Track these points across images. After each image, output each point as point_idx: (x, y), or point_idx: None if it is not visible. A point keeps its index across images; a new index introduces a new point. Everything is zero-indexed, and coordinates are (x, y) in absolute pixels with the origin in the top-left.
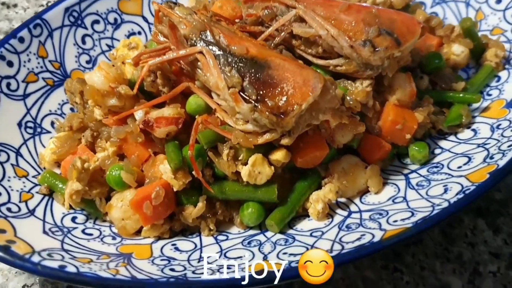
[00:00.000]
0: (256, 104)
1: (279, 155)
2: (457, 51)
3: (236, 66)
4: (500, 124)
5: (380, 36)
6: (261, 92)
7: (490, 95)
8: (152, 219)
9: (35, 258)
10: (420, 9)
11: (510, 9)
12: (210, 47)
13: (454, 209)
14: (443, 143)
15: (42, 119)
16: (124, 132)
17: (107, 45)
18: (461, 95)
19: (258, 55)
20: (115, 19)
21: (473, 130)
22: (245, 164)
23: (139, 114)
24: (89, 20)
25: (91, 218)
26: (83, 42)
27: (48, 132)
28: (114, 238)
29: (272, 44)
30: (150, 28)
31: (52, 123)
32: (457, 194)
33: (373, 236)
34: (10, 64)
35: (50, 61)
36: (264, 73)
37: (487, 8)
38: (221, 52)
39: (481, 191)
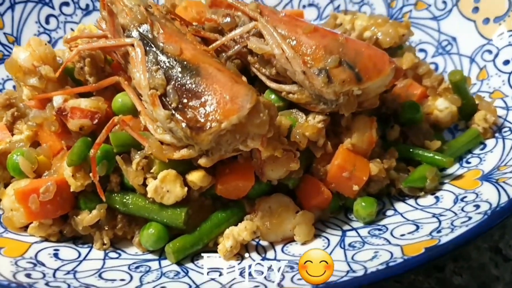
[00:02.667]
0: (174, 112)
1: (195, 177)
2: (441, 106)
3: (164, 66)
4: (465, 197)
5: (339, 67)
6: (183, 101)
7: (469, 162)
8: (37, 216)
9: None
10: (411, 53)
11: None
12: (145, 41)
13: (367, 280)
14: (399, 205)
15: None
16: (41, 117)
17: (71, 29)
18: (430, 155)
19: (191, 59)
20: (87, 5)
21: (436, 197)
22: (156, 178)
23: (57, 99)
24: (58, 1)
25: None
26: (47, 21)
27: None
28: None
29: (225, 56)
30: None
31: None
32: (380, 264)
33: None
34: None
35: (5, 33)
36: (191, 80)
37: (493, 68)
38: (154, 49)
39: (408, 266)
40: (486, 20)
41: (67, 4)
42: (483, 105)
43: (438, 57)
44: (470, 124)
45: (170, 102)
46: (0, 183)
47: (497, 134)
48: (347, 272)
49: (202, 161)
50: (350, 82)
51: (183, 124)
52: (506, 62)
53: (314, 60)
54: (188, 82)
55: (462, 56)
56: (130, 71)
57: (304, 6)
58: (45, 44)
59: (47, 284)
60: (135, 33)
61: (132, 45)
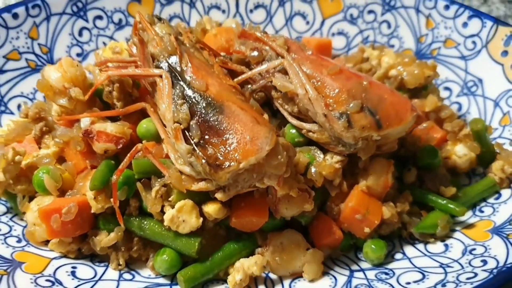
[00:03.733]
0: (195, 148)
1: (211, 209)
2: (460, 152)
3: (189, 101)
4: (474, 249)
5: (360, 112)
6: (205, 137)
7: (482, 211)
8: (58, 234)
9: None
10: (435, 96)
11: None
12: (173, 74)
13: None
14: (408, 249)
15: (10, 99)
16: (67, 136)
17: (103, 43)
18: (444, 202)
19: (216, 96)
20: (120, 20)
21: (445, 245)
22: (173, 206)
23: (85, 121)
24: (92, 14)
25: (11, 213)
26: (80, 34)
27: (12, 113)
28: (19, 241)
29: (250, 89)
30: None
31: (19, 106)
32: None
33: None
34: None
35: (39, 44)
36: (215, 117)
37: None
38: (181, 82)
39: None
40: None
41: (100, 17)
42: (502, 155)
43: (463, 97)
44: (487, 171)
45: (192, 137)
46: (26, 197)
47: None
48: None
49: (218, 196)
50: (370, 128)
51: (203, 161)
52: None
53: (336, 103)
54: (211, 118)
55: (487, 99)
56: (157, 100)
57: (333, 34)
58: (77, 65)
59: None
60: (164, 64)
61: (160, 76)
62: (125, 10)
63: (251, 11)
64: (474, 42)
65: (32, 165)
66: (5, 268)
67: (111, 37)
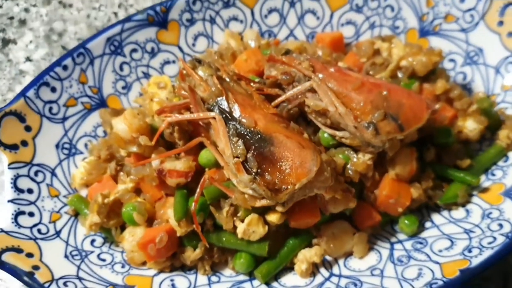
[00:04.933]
0: (256, 177)
1: (274, 218)
2: (470, 127)
3: (243, 137)
4: (491, 213)
5: (384, 120)
6: (262, 166)
7: (494, 175)
8: (155, 258)
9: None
10: (443, 79)
11: None
12: (223, 114)
13: None
14: (436, 218)
15: (77, 141)
16: (142, 174)
17: (142, 72)
18: (461, 174)
19: (264, 130)
20: (152, 48)
21: (466, 210)
22: (242, 221)
23: (155, 162)
24: (128, 49)
25: (108, 242)
26: (121, 69)
27: (81, 153)
28: (123, 266)
29: (286, 108)
30: (184, 57)
31: (86, 145)
32: (425, 285)
33: None
34: (53, 90)
35: (89, 86)
36: (266, 149)
37: None
38: (232, 122)
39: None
40: (510, 34)
41: (135, 50)
42: (507, 124)
43: (466, 67)
44: (495, 137)
45: (251, 168)
46: (118, 228)
47: None
48: None
49: (279, 209)
50: (395, 132)
51: (264, 187)
52: None
53: (363, 114)
54: (264, 150)
55: (488, 67)
56: (214, 136)
57: (342, 25)
58: (137, 114)
59: None
60: (214, 107)
61: (214, 117)
62: (156, 39)
63: (265, 16)
64: (472, 15)
65: (116, 200)
66: None
67: (147, 65)
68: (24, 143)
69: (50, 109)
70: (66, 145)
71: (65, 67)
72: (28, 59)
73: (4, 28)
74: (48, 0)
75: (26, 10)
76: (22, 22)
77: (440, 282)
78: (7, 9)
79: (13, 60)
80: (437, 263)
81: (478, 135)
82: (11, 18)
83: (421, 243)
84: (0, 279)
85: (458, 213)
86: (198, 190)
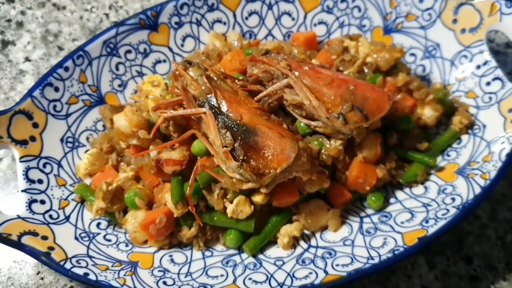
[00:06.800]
0: (242, 163)
1: (259, 198)
2: (428, 114)
3: (230, 129)
4: (445, 189)
5: (352, 111)
6: (247, 154)
7: (449, 155)
8: (156, 237)
9: (67, 265)
10: (403, 73)
11: (486, 76)
12: (213, 110)
13: (382, 265)
14: (398, 194)
15: (79, 135)
16: (141, 163)
17: (136, 71)
18: (420, 156)
19: (249, 122)
20: (145, 49)
21: (425, 187)
22: (231, 202)
23: (153, 153)
24: (123, 50)
25: (112, 224)
26: (117, 69)
27: (84, 145)
28: (127, 245)
29: (267, 102)
30: (174, 57)
31: (87, 138)
32: (388, 252)
33: (317, 276)
34: (56, 89)
35: (88, 85)
36: (251, 139)
37: (468, 71)
38: (221, 116)
39: (408, 254)
40: (463, 30)
41: (129, 51)
42: (460, 111)
43: (425, 60)
44: (450, 123)
45: (238, 156)
46: (121, 212)
47: (469, 131)
48: (367, 258)
49: (263, 190)
50: (361, 121)
51: (250, 172)
52: (478, 67)
53: (334, 107)
54: (249, 140)
55: (444, 60)
56: (204, 129)
57: (315, 25)
58: (136, 111)
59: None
60: (204, 103)
61: (205, 112)
62: (147, 41)
63: (246, 18)
64: (430, 14)
65: (118, 187)
66: (129, 269)
67: (141, 65)
68: (33, 138)
69: (54, 107)
70: (70, 139)
71: (66, 69)
72: (27, 59)
73: (3, 31)
74: (43, 3)
75: (23, 12)
76: (20, 24)
77: (401, 249)
78: (5, 12)
79: (13, 60)
80: (399, 233)
81: (435, 121)
82: (9, 20)
83: (386, 216)
84: (14, 261)
85: (418, 189)
86: (192, 176)
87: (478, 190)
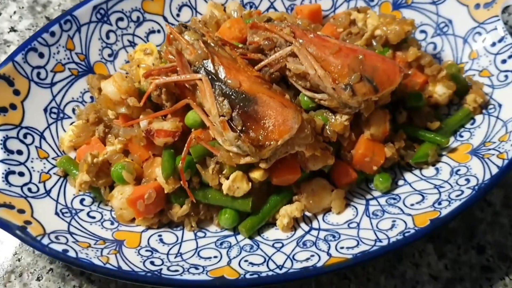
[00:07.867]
0: (241, 134)
1: (257, 175)
2: (440, 91)
3: (228, 97)
4: (459, 170)
5: (360, 82)
6: (246, 124)
7: (462, 136)
8: (143, 214)
9: (45, 240)
10: (414, 47)
11: (501, 54)
12: (209, 76)
13: (391, 248)
14: (407, 176)
15: (65, 106)
16: (130, 135)
17: (128, 40)
18: (431, 135)
19: (248, 90)
20: (138, 17)
21: (436, 168)
22: (227, 178)
23: (143, 123)
24: (114, 17)
25: (97, 201)
26: (107, 37)
27: (69, 117)
28: (112, 223)
29: (268, 72)
30: None
31: (73, 110)
32: (398, 234)
33: (319, 259)
34: (41, 55)
35: (76, 53)
36: (251, 108)
37: (482, 49)
38: (218, 82)
39: (419, 236)
40: (477, 6)
41: (121, 19)
42: (474, 89)
43: (437, 38)
44: (463, 102)
45: (236, 126)
46: (106, 187)
47: (484, 111)
48: (375, 241)
49: (262, 165)
50: (370, 93)
51: (249, 143)
52: (493, 44)
53: (341, 77)
54: (248, 109)
55: (457, 37)
56: (200, 97)
57: None
58: (126, 77)
59: (168, 269)
60: (200, 69)
61: (200, 79)
62: (141, 8)
63: None
64: None
65: (105, 160)
66: (113, 247)
67: (133, 34)
68: (13, 106)
69: (38, 74)
70: (54, 110)
71: (52, 34)
72: (12, 29)
73: None
74: None
75: None
76: None
77: (412, 231)
78: None
79: None
80: (409, 215)
81: (447, 99)
82: None
83: (394, 198)
84: None
85: (428, 171)
86: (185, 148)
87: (495, 170)
